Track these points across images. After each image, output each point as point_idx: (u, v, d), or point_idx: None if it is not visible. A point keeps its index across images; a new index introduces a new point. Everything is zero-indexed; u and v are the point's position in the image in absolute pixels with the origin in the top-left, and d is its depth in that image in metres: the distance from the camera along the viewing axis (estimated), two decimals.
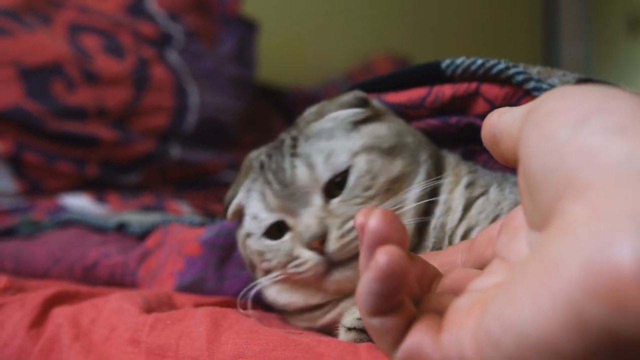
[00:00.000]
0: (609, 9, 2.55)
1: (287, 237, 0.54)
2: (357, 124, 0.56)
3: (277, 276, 0.55)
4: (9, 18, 1.23)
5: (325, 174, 0.53)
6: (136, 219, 0.92)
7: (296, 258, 0.52)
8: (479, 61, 0.55)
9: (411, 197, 0.52)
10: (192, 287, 0.68)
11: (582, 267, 0.23)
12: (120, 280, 0.79)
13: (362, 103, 0.57)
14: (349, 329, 0.48)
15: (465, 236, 0.51)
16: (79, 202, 1.18)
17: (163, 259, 0.75)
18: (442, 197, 0.53)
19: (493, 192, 0.53)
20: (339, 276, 0.51)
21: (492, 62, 0.54)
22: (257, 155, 0.61)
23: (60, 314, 0.60)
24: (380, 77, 0.63)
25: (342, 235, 0.50)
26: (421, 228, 0.53)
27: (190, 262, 0.69)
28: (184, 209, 1.18)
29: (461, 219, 0.52)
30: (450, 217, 0.52)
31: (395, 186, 0.53)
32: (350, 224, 0.50)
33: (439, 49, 2.33)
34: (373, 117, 0.57)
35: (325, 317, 0.56)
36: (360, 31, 2.30)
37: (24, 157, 1.18)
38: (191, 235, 0.71)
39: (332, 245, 0.50)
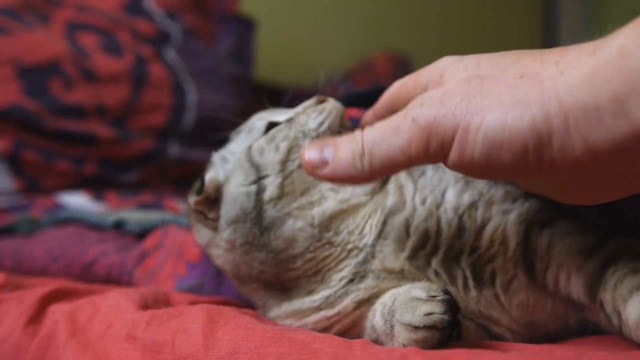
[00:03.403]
0: (610, 5, 2.55)
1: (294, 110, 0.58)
2: None
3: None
4: (7, 17, 1.23)
5: None
6: (134, 217, 0.92)
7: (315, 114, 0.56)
8: None
9: None
10: (190, 292, 0.68)
11: None
12: (117, 280, 0.79)
13: None
14: (416, 328, 0.42)
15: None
16: (77, 200, 1.18)
17: (161, 261, 0.75)
18: (391, 188, 0.56)
19: (429, 171, 0.55)
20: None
21: None
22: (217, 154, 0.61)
23: (58, 311, 0.60)
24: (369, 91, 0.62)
25: None
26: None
27: (191, 267, 0.69)
28: (183, 207, 1.18)
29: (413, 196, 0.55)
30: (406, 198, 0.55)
31: None
32: None
33: (439, 48, 2.32)
34: None
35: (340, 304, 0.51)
36: (360, 30, 2.30)
37: (22, 156, 1.18)
38: (191, 240, 0.71)
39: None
